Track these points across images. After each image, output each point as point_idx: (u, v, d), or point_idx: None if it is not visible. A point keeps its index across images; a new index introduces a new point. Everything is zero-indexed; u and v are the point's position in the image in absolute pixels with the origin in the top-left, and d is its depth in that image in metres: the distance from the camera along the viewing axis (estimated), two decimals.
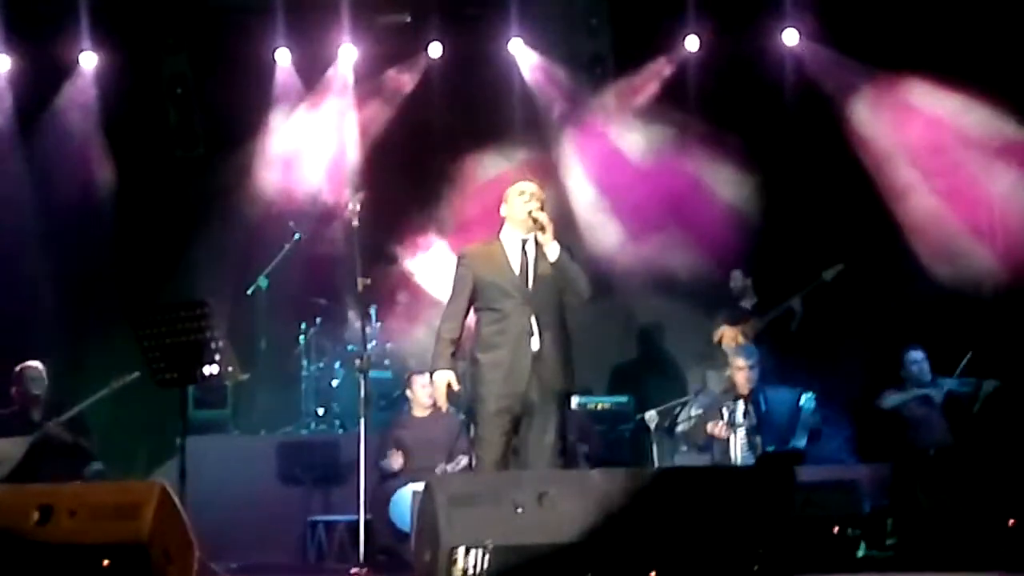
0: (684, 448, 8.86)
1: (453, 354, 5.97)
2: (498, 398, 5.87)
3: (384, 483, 8.03)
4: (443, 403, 6.08)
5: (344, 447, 8.53)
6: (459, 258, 6.12)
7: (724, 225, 9.55)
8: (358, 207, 6.38)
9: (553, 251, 5.92)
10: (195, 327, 6.18)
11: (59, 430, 8.12)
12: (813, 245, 9.63)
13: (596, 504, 5.30)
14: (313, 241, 9.76)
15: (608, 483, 5.44)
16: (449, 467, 7.97)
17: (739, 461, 7.94)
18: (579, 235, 9.41)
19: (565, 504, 5.28)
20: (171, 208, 10.07)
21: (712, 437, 8.14)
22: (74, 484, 7.64)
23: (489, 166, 9.54)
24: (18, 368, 8.33)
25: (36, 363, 8.34)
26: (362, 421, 6.32)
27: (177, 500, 5.69)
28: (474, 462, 6.27)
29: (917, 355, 8.56)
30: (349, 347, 9.49)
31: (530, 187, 6.09)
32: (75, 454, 8.18)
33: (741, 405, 8.09)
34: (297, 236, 9.66)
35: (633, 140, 9.96)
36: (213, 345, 6.18)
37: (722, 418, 8.09)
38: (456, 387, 5.97)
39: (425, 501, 5.49)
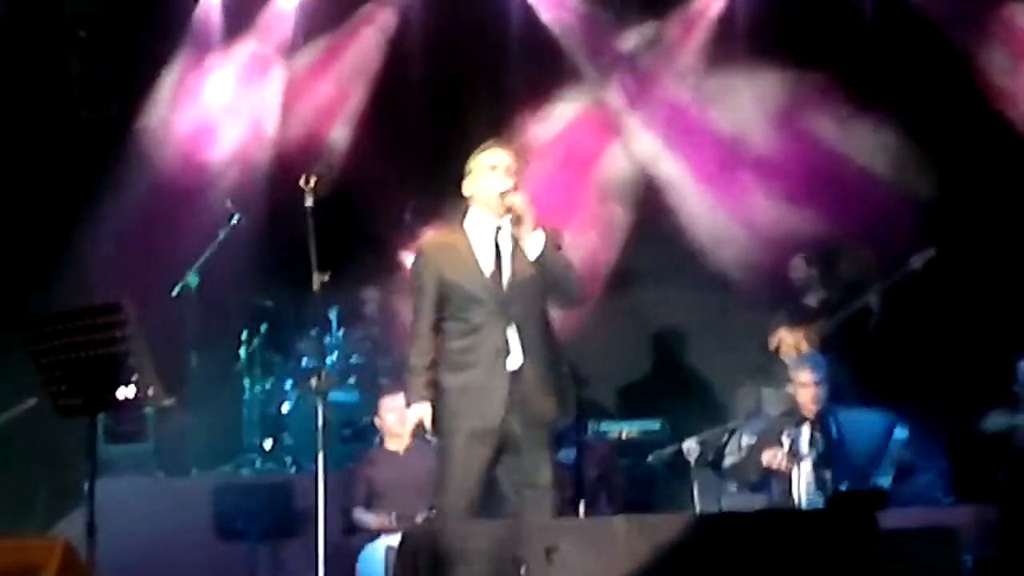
0: (733, 487, 8.87)
1: (430, 383, 5.97)
2: (470, 433, 5.88)
3: (350, 536, 8.04)
4: (406, 442, 6.07)
5: (298, 490, 8.54)
6: (417, 256, 6.09)
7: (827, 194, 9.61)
8: (313, 182, 6.38)
9: (535, 244, 5.88)
10: (104, 338, 6.16)
11: None
12: (899, 223, 9.64)
13: (619, 561, 5.30)
14: (259, 225, 9.80)
15: (635, 533, 5.43)
16: (434, 515, 7.99)
17: (804, 502, 7.95)
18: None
19: (580, 561, 5.28)
20: (72, 184, 10.09)
21: (769, 472, 8.14)
22: None
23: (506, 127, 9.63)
24: None
25: None
26: (320, 456, 6.30)
27: (84, 561, 5.70)
28: (435, 511, 6.27)
29: None
30: (304, 362, 9.51)
31: (502, 157, 6.03)
32: None
33: (806, 431, 8.09)
34: (236, 218, 9.69)
35: (700, 88, 10.03)
36: (128, 361, 6.17)
37: (781, 447, 8.10)
38: (428, 426, 5.97)
39: (404, 558, 5.49)
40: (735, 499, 8.83)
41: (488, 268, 5.97)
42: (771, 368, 9.50)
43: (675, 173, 10.22)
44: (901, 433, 8.11)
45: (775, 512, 7.74)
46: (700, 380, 10.43)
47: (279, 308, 9.73)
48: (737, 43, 10.21)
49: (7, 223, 9.95)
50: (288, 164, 9.78)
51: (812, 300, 9.66)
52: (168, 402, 6.62)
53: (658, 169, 10.27)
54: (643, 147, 10.33)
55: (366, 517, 8.19)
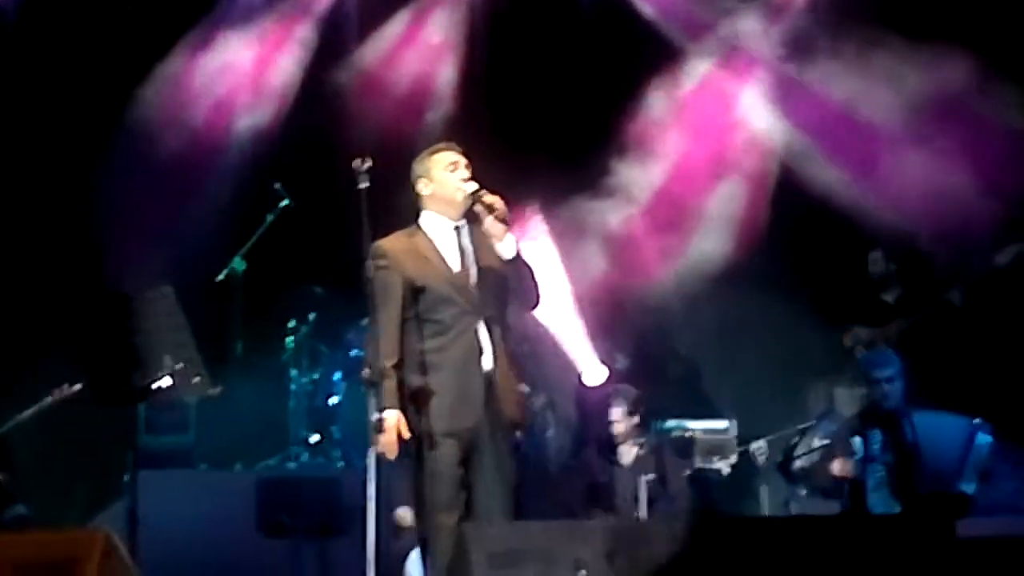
0: (804, 491, 8.85)
1: (401, 385, 6.01)
2: (445, 434, 5.95)
3: (401, 536, 8.07)
4: (393, 453, 6.05)
5: (347, 487, 8.58)
6: (376, 258, 6.09)
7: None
8: (367, 164, 6.40)
9: (509, 245, 6.01)
10: (148, 325, 6.23)
11: None
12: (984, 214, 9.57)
13: (681, 565, 5.32)
14: (309, 208, 9.85)
15: (700, 538, 5.46)
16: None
17: (878, 508, 7.92)
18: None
19: (640, 565, 5.30)
20: (99, 155, 10.16)
21: (840, 478, 8.12)
22: None
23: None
24: None
25: None
26: (372, 452, 6.33)
27: (126, 554, 5.76)
28: (412, 513, 6.35)
29: None
30: (353, 352, 9.55)
31: (458, 156, 6.19)
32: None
33: (879, 434, 8.05)
34: (285, 202, 9.75)
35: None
36: (173, 348, 6.23)
37: (853, 451, 8.07)
38: (406, 434, 5.99)
39: (455, 560, 5.53)
40: (806, 504, 8.81)
41: (455, 267, 6.09)
42: (845, 366, 9.46)
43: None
44: (984, 439, 8.06)
45: (849, 518, 7.73)
46: (769, 378, 10.38)
47: (329, 296, 9.76)
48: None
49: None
50: (340, 145, 9.81)
51: (889, 296, 9.60)
52: (213, 392, 6.68)
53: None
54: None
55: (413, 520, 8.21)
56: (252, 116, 10.53)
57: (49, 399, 8.06)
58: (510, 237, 6.03)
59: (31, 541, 6.13)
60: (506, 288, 6.11)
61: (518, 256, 6.07)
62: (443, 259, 6.11)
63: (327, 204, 9.27)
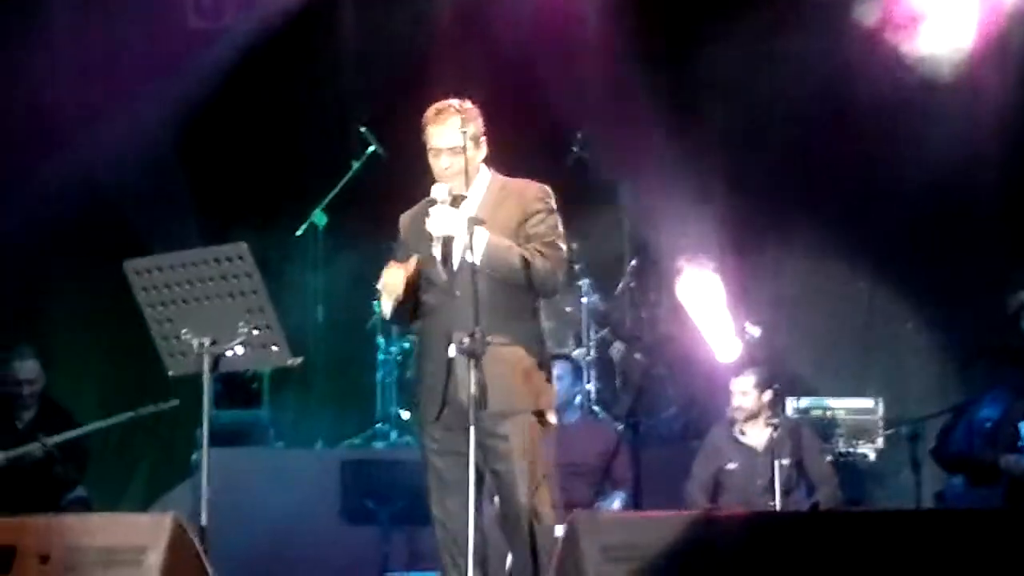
0: (958, 480, 8.80)
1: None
2: (433, 423, 6.15)
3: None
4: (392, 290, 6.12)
5: None
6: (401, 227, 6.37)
7: None
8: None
9: (477, 247, 5.97)
10: (221, 287, 6.28)
11: (45, 452, 8.42)
12: None
13: (826, 563, 5.35)
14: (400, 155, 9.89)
15: (845, 534, 5.49)
16: (604, 504, 8.12)
17: None
18: None
19: (767, 557, 5.34)
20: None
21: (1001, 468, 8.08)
22: (48, 518, 7.91)
23: None
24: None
25: (27, 350, 8.73)
26: (472, 431, 6.36)
27: (196, 541, 5.85)
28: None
29: None
30: None
31: (438, 131, 6.17)
32: (54, 480, 8.50)
33: None
34: (372, 148, 9.79)
35: None
36: (246, 313, 6.29)
37: (1019, 435, 8.01)
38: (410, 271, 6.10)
39: (565, 551, 5.56)
40: (960, 494, 8.76)
41: (439, 245, 6.07)
42: (1011, 337, 9.35)
43: None
44: None
45: (1011, 511, 7.67)
46: (921, 352, 10.31)
47: None
48: None
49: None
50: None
51: None
52: (293, 363, 6.71)
53: None
54: None
55: None
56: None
57: (141, 410, 8.23)
58: (479, 236, 5.96)
59: (94, 526, 6.23)
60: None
61: (493, 259, 6.00)
62: (431, 236, 6.13)
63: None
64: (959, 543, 5.55)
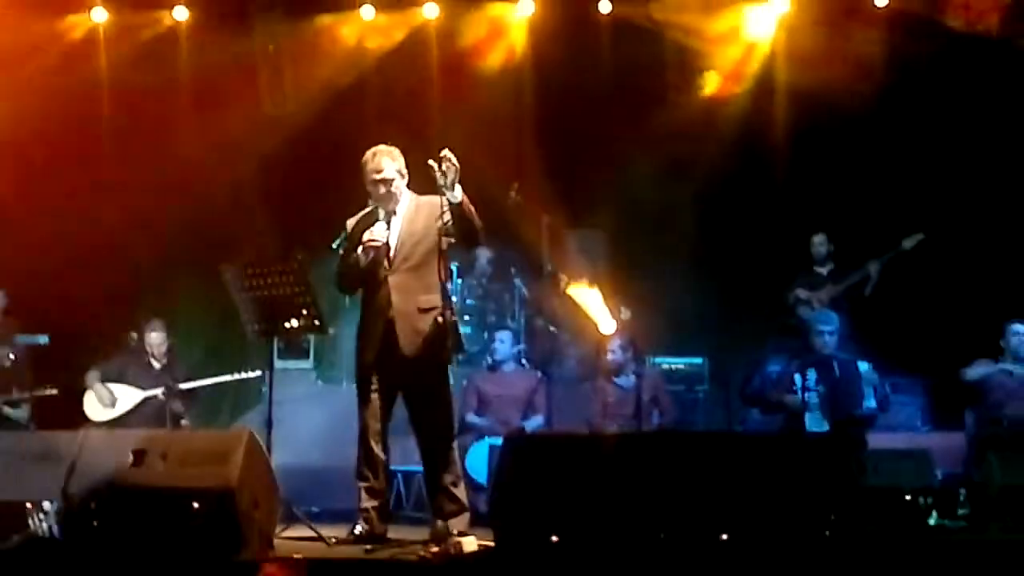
0: (756, 412, 8.83)
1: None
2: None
3: (461, 436, 8.10)
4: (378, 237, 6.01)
5: None
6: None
7: None
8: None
9: (456, 192, 5.84)
10: (284, 282, 6.27)
11: (172, 397, 8.53)
12: (893, 209, 9.46)
13: (669, 466, 5.38)
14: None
15: (679, 443, 5.52)
16: (529, 424, 8.21)
17: (813, 427, 7.86)
18: None
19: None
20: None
21: (782, 403, 8.07)
22: (166, 431, 7.90)
23: None
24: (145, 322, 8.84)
25: (157, 324, 8.80)
26: (449, 369, 6.36)
27: (263, 448, 5.83)
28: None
29: (1021, 328, 8.30)
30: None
31: (376, 166, 6.08)
32: (170, 417, 8.57)
33: (813, 372, 7.97)
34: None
35: None
36: (300, 300, 6.28)
37: (795, 384, 8.01)
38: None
39: (504, 456, 5.61)
40: (756, 421, 8.79)
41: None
42: (787, 319, 9.39)
43: None
44: (864, 365, 7.94)
45: (790, 434, 7.70)
46: (733, 326, 10.17)
47: None
48: None
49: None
50: None
51: (823, 269, 9.54)
52: (327, 333, 6.74)
53: None
54: None
55: (475, 420, 8.30)
56: None
57: (237, 375, 8.46)
58: (458, 185, 5.83)
59: (196, 437, 6.22)
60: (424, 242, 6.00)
61: (463, 201, 5.87)
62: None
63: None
64: (753, 454, 5.64)
